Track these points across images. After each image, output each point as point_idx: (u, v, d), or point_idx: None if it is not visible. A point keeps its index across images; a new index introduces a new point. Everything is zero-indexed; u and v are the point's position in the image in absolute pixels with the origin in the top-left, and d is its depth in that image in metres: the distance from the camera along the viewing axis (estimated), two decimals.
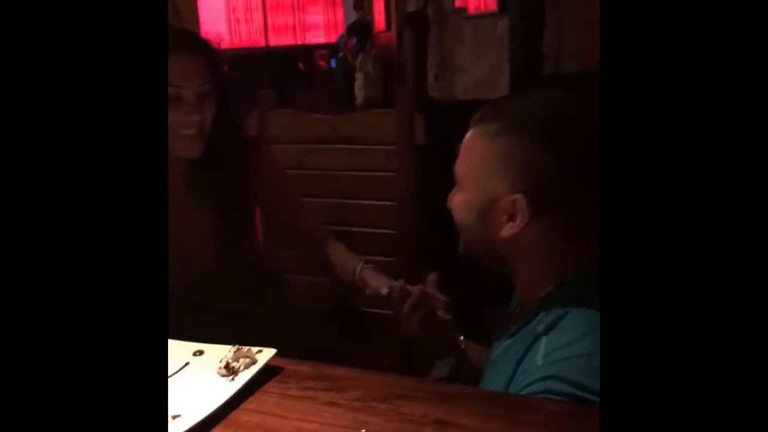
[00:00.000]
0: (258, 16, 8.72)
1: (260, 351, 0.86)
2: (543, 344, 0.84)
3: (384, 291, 1.13)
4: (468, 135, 0.96)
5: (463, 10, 3.51)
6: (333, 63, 7.45)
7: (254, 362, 0.84)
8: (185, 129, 1.18)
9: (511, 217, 0.90)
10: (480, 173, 0.93)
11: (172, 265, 1.19)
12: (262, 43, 8.67)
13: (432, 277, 1.13)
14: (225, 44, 9.25)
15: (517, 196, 0.88)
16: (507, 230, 0.90)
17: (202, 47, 1.21)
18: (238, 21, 8.83)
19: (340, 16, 8.85)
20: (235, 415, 0.76)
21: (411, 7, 3.74)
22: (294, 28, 8.94)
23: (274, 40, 8.82)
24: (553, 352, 0.81)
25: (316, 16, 8.93)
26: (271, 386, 0.81)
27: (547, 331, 0.85)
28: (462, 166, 0.97)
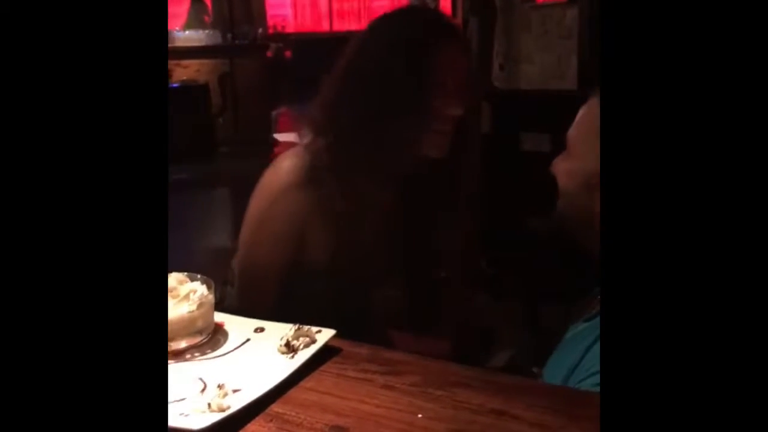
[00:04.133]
0: (323, 1, 8.77)
1: (320, 331, 0.87)
2: None
3: None
4: (588, 101, 0.93)
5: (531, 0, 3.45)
6: None
7: (313, 342, 0.85)
8: (442, 124, 1.07)
9: None
10: (593, 141, 0.88)
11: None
12: (327, 27, 8.72)
13: None
14: (290, 28, 9.34)
15: None
16: None
17: (461, 35, 1.13)
18: (303, 5, 8.89)
19: (405, 1, 8.82)
20: (294, 392, 0.77)
21: None
22: (359, 13, 8.96)
23: (338, 25, 8.86)
24: None
25: (381, 1, 8.92)
26: (329, 366, 0.82)
27: None
28: (575, 131, 0.94)
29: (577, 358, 0.86)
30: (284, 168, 1.12)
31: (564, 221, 0.97)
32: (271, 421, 0.72)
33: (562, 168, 0.95)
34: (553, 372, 0.95)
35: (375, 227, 1.14)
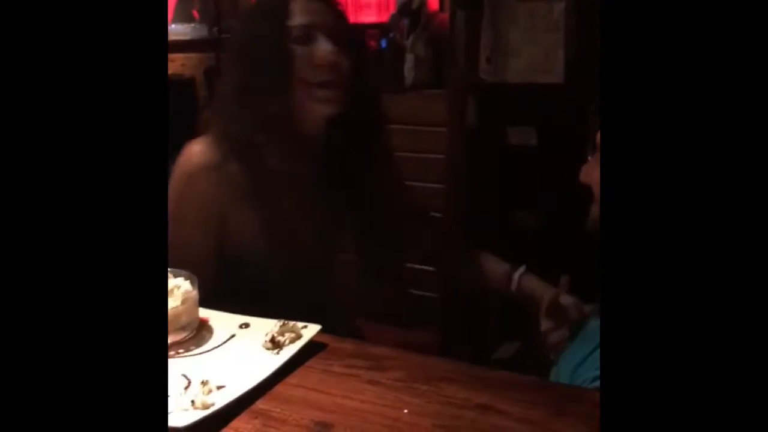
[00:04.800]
0: None
1: (305, 327, 0.86)
2: None
3: (545, 327, 1.00)
4: None
5: None
6: (384, 43, 7.40)
7: (299, 337, 0.85)
8: (320, 75, 1.06)
9: None
10: None
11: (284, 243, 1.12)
12: None
13: (564, 282, 1.06)
14: None
15: None
16: None
17: None
18: None
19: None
20: (279, 388, 0.77)
21: None
22: (345, 5, 8.92)
23: None
24: None
25: None
26: (314, 362, 0.82)
27: None
28: None
29: (585, 355, 0.86)
30: (194, 151, 1.11)
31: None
32: (256, 417, 0.71)
33: (597, 176, 0.91)
34: (565, 365, 0.95)
35: (301, 206, 1.14)
